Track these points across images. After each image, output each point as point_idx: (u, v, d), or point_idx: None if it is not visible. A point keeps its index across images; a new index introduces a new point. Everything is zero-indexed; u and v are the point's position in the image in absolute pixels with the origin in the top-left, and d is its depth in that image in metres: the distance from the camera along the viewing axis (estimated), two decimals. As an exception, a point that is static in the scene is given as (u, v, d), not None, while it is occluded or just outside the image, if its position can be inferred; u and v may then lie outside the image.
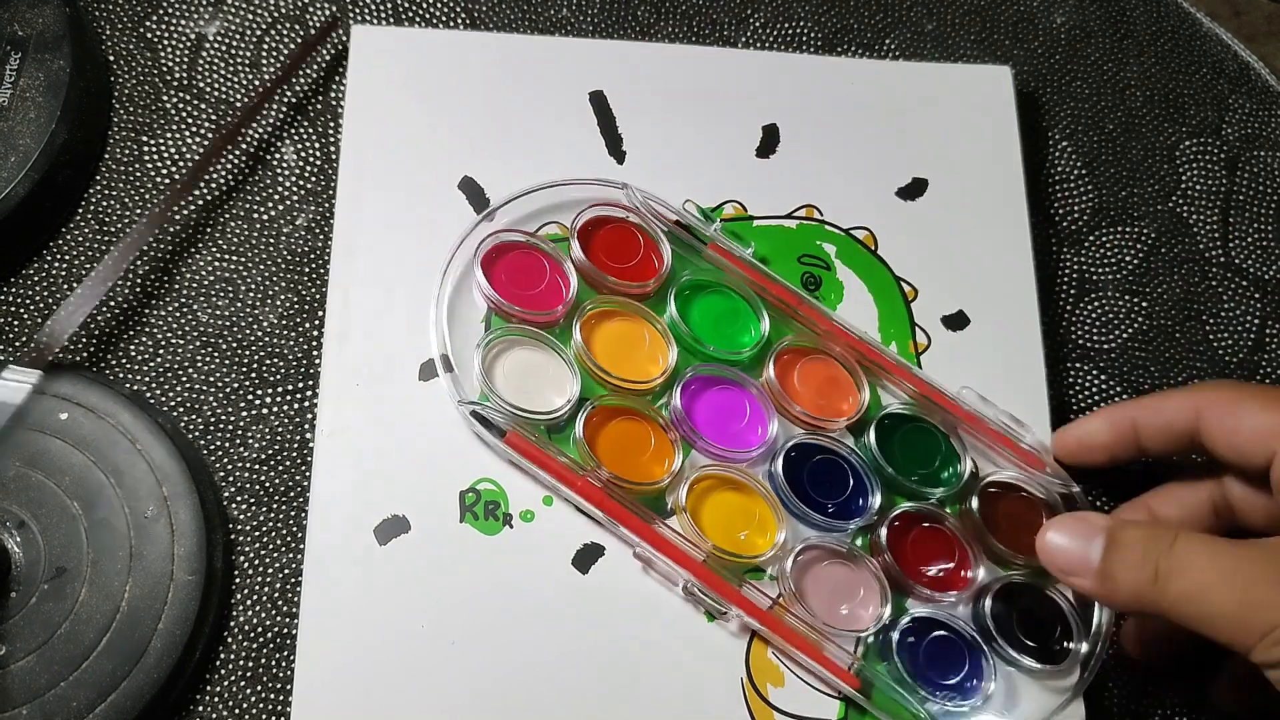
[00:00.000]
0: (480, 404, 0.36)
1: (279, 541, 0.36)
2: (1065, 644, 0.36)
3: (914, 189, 0.43)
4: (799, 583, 0.36)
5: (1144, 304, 0.44)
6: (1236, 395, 0.34)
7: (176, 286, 0.39)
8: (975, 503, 0.38)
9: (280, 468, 0.37)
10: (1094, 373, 0.43)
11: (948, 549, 0.37)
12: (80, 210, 0.39)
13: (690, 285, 0.40)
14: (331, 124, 0.41)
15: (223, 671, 0.35)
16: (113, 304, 0.38)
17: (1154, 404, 0.36)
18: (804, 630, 0.35)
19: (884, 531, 0.37)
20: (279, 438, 0.37)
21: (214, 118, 0.41)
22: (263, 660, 0.35)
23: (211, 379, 0.38)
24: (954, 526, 0.38)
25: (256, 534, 0.36)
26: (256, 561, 0.36)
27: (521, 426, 0.36)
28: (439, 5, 0.44)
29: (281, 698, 0.35)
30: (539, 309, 0.38)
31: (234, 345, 0.38)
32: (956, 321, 0.41)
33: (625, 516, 0.36)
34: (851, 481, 0.38)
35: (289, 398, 0.38)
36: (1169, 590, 0.29)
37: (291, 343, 0.39)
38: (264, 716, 0.34)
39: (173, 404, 0.37)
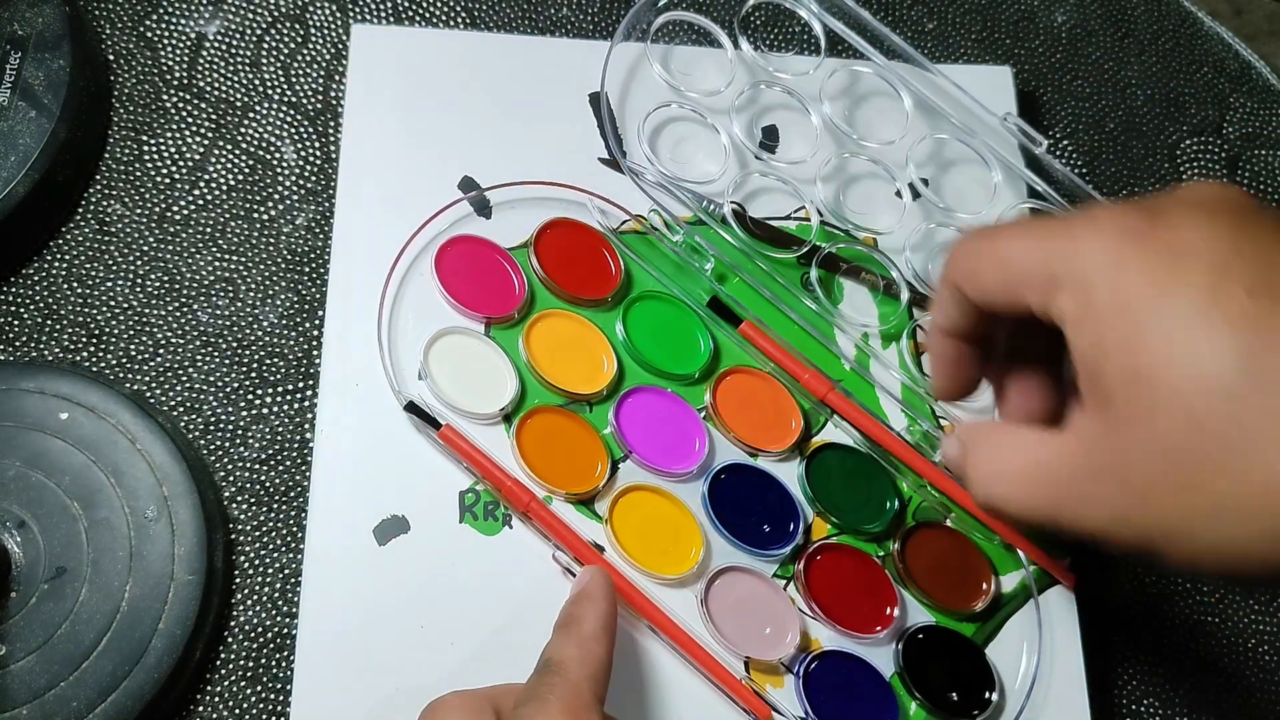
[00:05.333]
0: (418, 397, 0.36)
1: (279, 541, 0.36)
2: (986, 694, 0.36)
3: (914, 189, 0.43)
4: (715, 604, 0.36)
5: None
6: (981, 243, 0.29)
7: (177, 286, 0.39)
8: (896, 545, 0.37)
9: (280, 468, 0.37)
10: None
11: (871, 586, 0.37)
12: (80, 210, 0.39)
13: (643, 297, 0.39)
14: (331, 123, 0.41)
15: (223, 671, 0.35)
16: (113, 303, 0.38)
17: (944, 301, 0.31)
18: (714, 651, 0.35)
19: (802, 564, 0.36)
20: (279, 438, 0.37)
21: (214, 117, 0.41)
22: (263, 660, 0.35)
23: (211, 379, 0.38)
24: (880, 563, 0.37)
25: (256, 534, 0.36)
26: (256, 561, 0.36)
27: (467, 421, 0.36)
28: (439, 5, 0.44)
29: (281, 698, 0.35)
30: (489, 307, 0.38)
31: (234, 345, 0.38)
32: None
33: (549, 521, 0.35)
34: (781, 508, 0.37)
35: (289, 397, 0.38)
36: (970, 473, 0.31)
37: (291, 342, 0.39)
38: (264, 716, 0.34)
39: (173, 404, 0.37)
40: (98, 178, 0.40)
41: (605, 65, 0.41)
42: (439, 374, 0.37)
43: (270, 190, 0.40)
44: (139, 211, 0.39)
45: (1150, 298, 0.26)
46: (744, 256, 0.40)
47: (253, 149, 0.41)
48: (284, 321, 0.39)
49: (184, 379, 0.38)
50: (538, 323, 0.38)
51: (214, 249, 0.39)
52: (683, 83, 0.42)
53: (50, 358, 0.37)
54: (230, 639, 0.35)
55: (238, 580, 0.36)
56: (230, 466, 0.37)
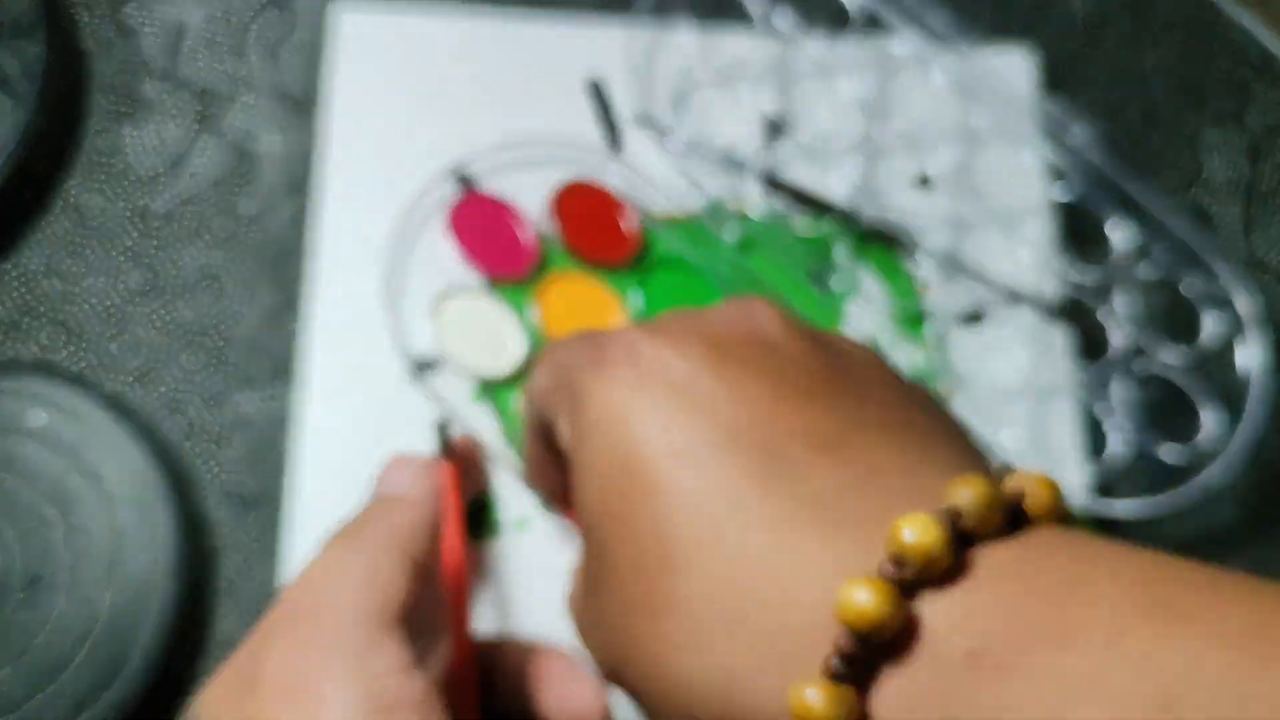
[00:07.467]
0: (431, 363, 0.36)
1: (262, 548, 0.35)
2: None
3: (928, 180, 0.42)
4: None
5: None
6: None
7: (158, 284, 0.38)
8: None
9: (263, 472, 0.36)
10: (1109, 372, 0.41)
11: None
12: (59, 203, 0.38)
13: (659, 263, 0.39)
14: (318, 113, 0.40)
15: (204, 681, 0.34)
16: (92, 302, 0.37)
17: None
18: None
19: None
20: (262, 441, 0.36)
21: (197, 108, 0.40)
22: (246, 671, 0.34)
23: (194, 379, 0.37)
24: None
25: (238, 540, 0.35)
26: (240, 568, 0.35)
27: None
28: (431, -11, 0.43)
29: (266, 710, 0.34)
30: (501, 266, 0.37)
31: (217, 344, 0.37)
32: (972, 315, 0.40)
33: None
34: None
35: (272, 399, 0.37)
36: None
37: (275, 342, 0.37)
38: (248, 729, 0.34)
39: (153, 406, 0.36)
40: (76, 170, 0.38)
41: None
42: (446, 334, 0.37)
43: (255, 183, 0.39)
44: (119, 205, 0.38)
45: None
46: (769, 230, 0.39)
47: (237, 140, 0.39)
48: (267, 320, 0.38)
49: (165, 380, 0.37)
50: (551, 285, 0.38)
51: (197, 244, 0.38)
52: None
53: (27, 357, 0.36)
54: (213, 648, 0.34)
55: (220, 587, 0.35)
56: (213, 470, 0.36)
